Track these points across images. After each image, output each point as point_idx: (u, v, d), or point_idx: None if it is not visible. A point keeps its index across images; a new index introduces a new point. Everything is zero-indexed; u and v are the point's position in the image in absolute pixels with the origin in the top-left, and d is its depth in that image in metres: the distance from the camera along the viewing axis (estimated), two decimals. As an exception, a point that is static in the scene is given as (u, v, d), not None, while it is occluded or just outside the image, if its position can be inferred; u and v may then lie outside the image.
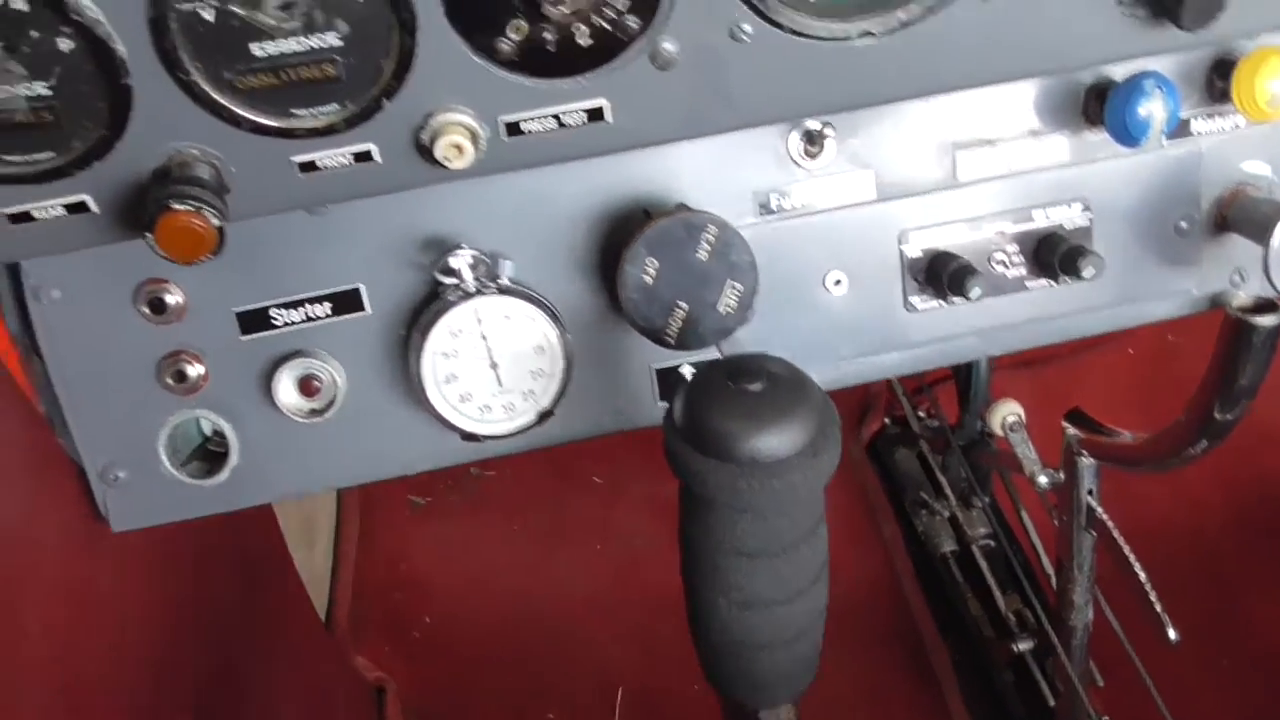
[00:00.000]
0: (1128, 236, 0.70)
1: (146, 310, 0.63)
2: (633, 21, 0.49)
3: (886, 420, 1.55)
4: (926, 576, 1.44)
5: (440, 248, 0.64)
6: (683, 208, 0.64)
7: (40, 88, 0.46)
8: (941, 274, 0.67)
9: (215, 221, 0.48)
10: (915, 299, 0.69)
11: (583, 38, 0.49)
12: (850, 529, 1.48)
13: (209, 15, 0.45)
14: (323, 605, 1.39)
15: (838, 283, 0.69)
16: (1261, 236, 0.67)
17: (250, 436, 0.67)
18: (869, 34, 0.52)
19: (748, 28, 0.51)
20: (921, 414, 1.45)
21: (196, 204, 0.47)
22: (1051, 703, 1.18)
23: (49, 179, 0.49)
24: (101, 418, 0.66)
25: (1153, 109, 0.61)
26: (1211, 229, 0.70)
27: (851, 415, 1.54)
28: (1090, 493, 0.87)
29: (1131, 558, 0.81)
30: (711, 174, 0.65)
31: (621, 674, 1.38)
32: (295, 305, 0.65)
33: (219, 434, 0.67)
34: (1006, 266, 0.69)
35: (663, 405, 0.70)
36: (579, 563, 1.50)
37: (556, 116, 0.52)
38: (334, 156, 0.52)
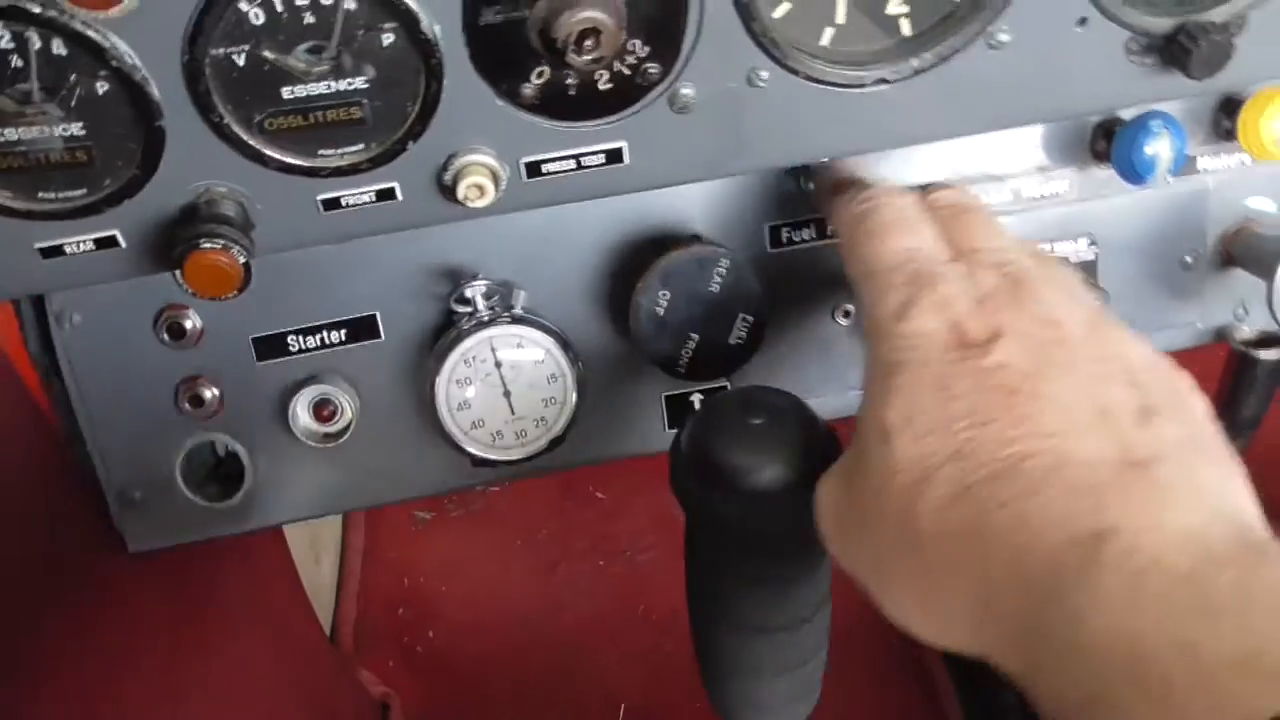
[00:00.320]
0: (1133, 271, 0.70)
1: (165, 336, 0.64)
2: (653, 68, 0.50)
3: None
4: (928, 595, 1.44)
5: (455, 278, 0.65)
6: (696, 239, 0.65)
7: (76, 129, 0.47)
8: (949, 307, 0.67)
9: (242, 259, 0.49)
10: (923, 331, 0.69)
11: (604, 83, 0.50)
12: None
13: (241, 60, 0.46)
14: (328, 619, 1.39)
15: (846, 315, 0.70)
16: (1266, 272, 0.68)
17: (265, 460, 0.68)
18: (883, 80, 0.53)
19: (765, 74, 0.52)
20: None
21: (224, 241, 0.48)
22: (1052, 724, 1.18)
23: (80, 215, 0.50)
24: (119, 440, 0.66)
25: (1159, 148, 0.62)
26: (1216, 263, 0.71)
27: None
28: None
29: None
30: (724, 207, 0.66)
31: (624, 690, 1.39)
32: (311, 332, 0.66)
33: (234, 457, 0.68)
34: (1013, 300, 0.69)
35: (672, 432, 0.71)
36: (582, 578, 1.50)
37: (576, 158, 0.53)
38: (357, 194, 0.52)
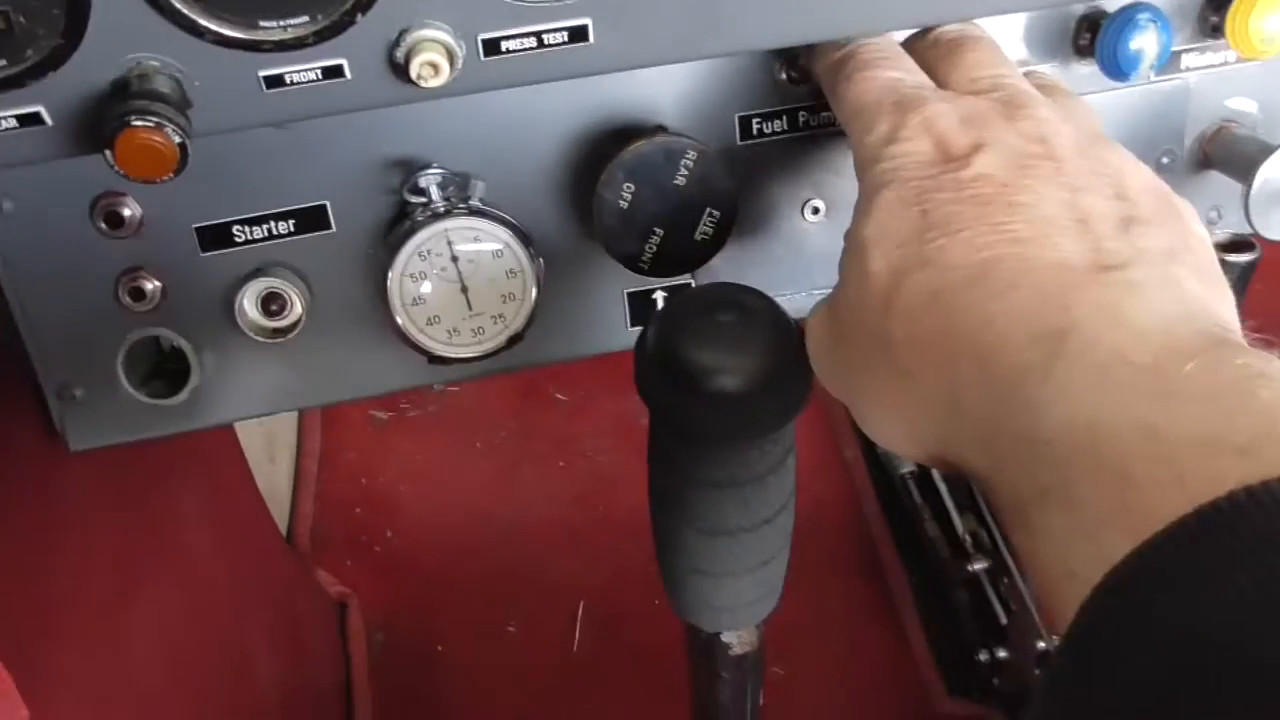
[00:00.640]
0: (1110, 171, 0.69)
1: (103, 224, 0.61)
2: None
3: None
4: (886, 497, 1.47)
5: (410, 166, 0.62)
6: (662, 130, 0.63)
7: (-9, -7, 0.43)
8: (922, 205, 0.66)
9: (177, 138, 0.46)
10: (894, 230, 0.68)
11: (566, -53, 0.47)
12: (813, 451, 1.49)
13: (169, -84, 0.43)
14: (284, 521, 1.39)
15: (816, 211, 0.68)
16: (1243, 175, 0.66)
17: (211, 356, 0.65)
18: (865, -40, 0.50)
19: (740, -53, 0.49)
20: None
21: (157, 120, 0.45)
22: (1004, 621, 1.21)
23: (1, 89, 0.47)
24: (58, 335, 0.64)
25: (1145, 43, 0.60)
26: (1194, 165, 0.70)
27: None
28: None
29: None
30: (693, 97, 0.64)
31: (584, 590, 1.40)
32: (258, 222, 0.63)
33: (179, 353, 0.66)
34: (987, 198, 0.68)
35: (634, 330, 0.69)
36: (542, 480, 1.50)
37: (537, 35, 0.50)
38: (302, 72, 0.49)
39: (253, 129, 0.57)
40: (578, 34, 0.51)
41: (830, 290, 0.48)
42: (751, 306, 0.51)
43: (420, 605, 1.39)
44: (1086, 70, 0.66)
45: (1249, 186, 0.65)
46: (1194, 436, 0.32)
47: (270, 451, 1.37)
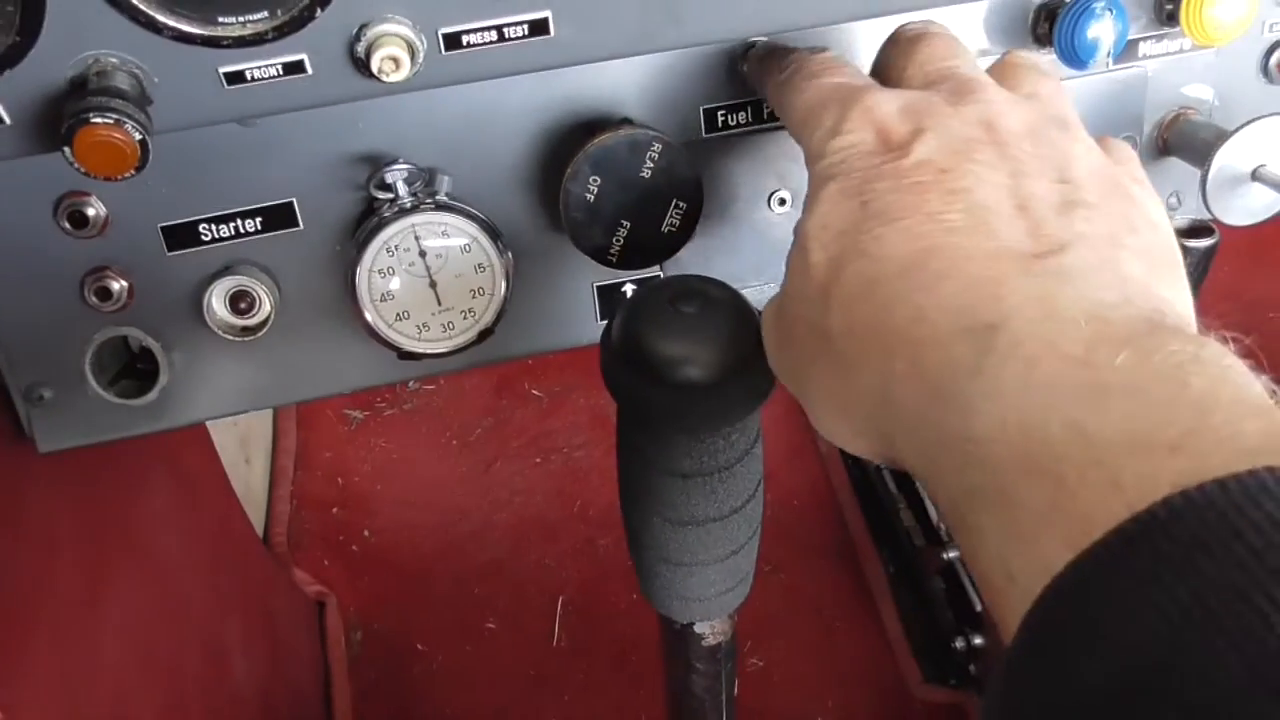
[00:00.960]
0: (1070, 159, 0.70)
1: (67, 224, 0.60)
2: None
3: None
4: (861, 486, 1.47)
5: (376, 162, 0.62)
6: (627, 123, 0.63)
7: (-57, -10, 0.43)
8: (886, 195, 0.66)
9: (137, 135, 0.46)
10: (859, 219, 0.68)
11: (523, -58, 0.47)
12: (787, 440, 1.50)
13: (125, -88, 0.42)
14: (260, 521, 1.38)
15: (782, 202, 0.68)
16: (1200, 161, 0.67)
17: (180, 355, 0.65)
18: (822, -49, 0.51)
19: (698, -60, 0.49)
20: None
21: (117, 116, 0.45)
22: (979, 608, 1.22)
23: (-44, 87, 0.47)
24: (24, 335, 0.63)
25: (1102, 31, 0.61)
26: (1153, 152, 0.71)
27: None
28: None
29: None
30: (657, 90, 0.64)
31: (561, 585, 1.40)
32: (225, 220, 0.63)
33: (148, 352, 0.65)
34: (950, 187, 0.69)
35: (604, 323, 0.69)
36: (518, 476, 1.50)
37: (498, 29, 0.50)
38: (263, 67, 0.49)
39: (216, 126, 0.57)
40: (538, 27, 0.51)
41: None
42: (714, 297, 0.51)
43: (398, 603, 1.39)
44: (1045, 59, 0.66)
45: (1206, 172, 0.66)
46: (1125, 435, 0.31)
47: (245, 452, 1.37)
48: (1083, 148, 0.45)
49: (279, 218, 0.63)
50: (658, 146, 0.61)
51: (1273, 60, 0.70)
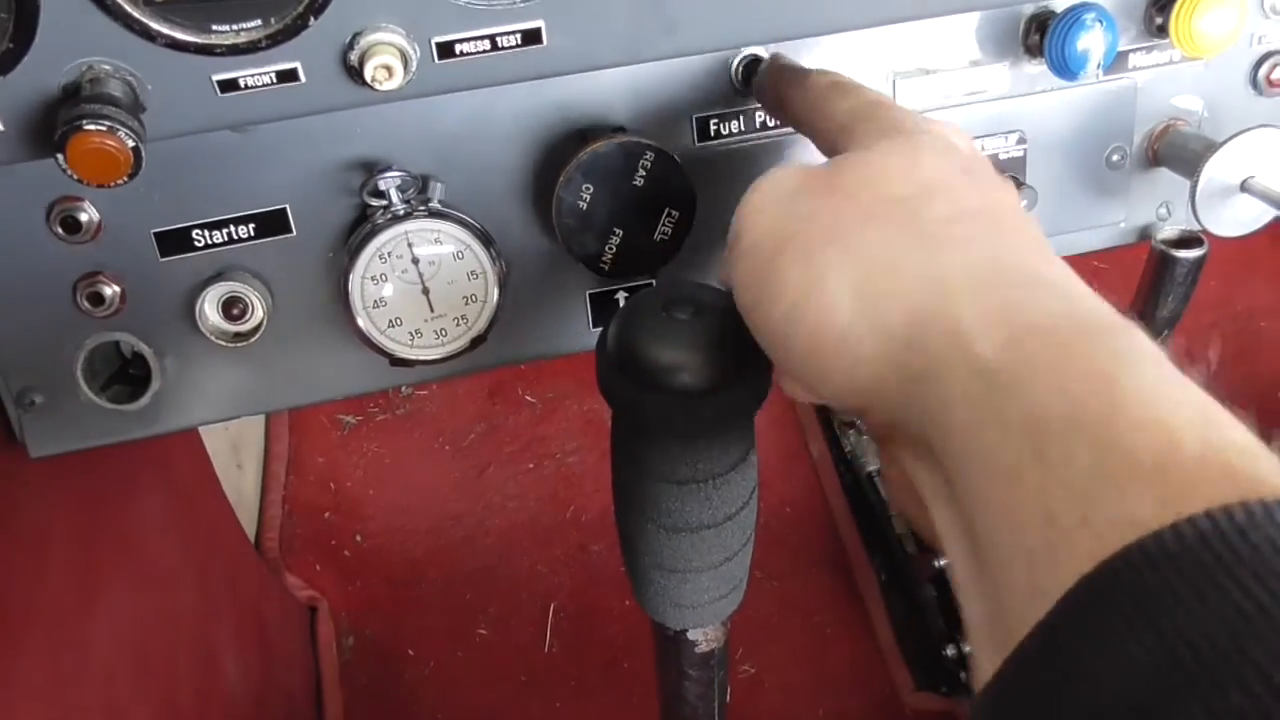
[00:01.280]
0: (1061, 169, 0.70)
1: (59, 230, 0.60)
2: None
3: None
4: (854, 494, 1.48)
5: (369, 169, 0.62)
6: (620, 131, 0.63)
7: (-63, -3, 0.43)
8: (878, 204, 0.67)
9: (130, 142, 0.46)
10: (851, 228, 0.69)
11: (517, -48, 0.47)
12: (780, 447, 1.50)
13: (119, -79, 0.43)
14: (252, 526, 1.38)
15: (774, 210, 0.68)
16: (1189, 171, 0.68)
17: (172, 361, 0.65)
18: (815, -40, 0.51)
19: (691, -51, 0.49)
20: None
21: (110, 124, 0.45)
22: (970, 616, 1.22)
23: (-50, 93, 0.47)
24: (16, 341, 0.63)
25: (1092, 43, 0.61)
26: (1143, 163, 0.71)
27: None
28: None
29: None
30: (651, 97, 0.64)
31: (553, 591, 1.40)
32: (218, 226, 0.63)
33: (140, 358, 0.65)
34: (942, 197, 0.69)
35: (596, 331, 0.70)
36: (511, 482, 1.50)
37: (491, 38, 0.50)
38: (257, 75, 0.49)
39: (210, 133, 0.57)
40: (531, 36, 0.51)
41: None
42: (710, 303, 0.52)
43: (390, 608, 1.39)
44: (1036, 70, 0.67)
45: (1195, 183, 0.67)
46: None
47: (238, 457, 1.37)
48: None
49: (272, 224, 0.63)
50: (650, 155, 0.62)
51: (1261, 72, 0.70)
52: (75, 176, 0.47)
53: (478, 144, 0.63)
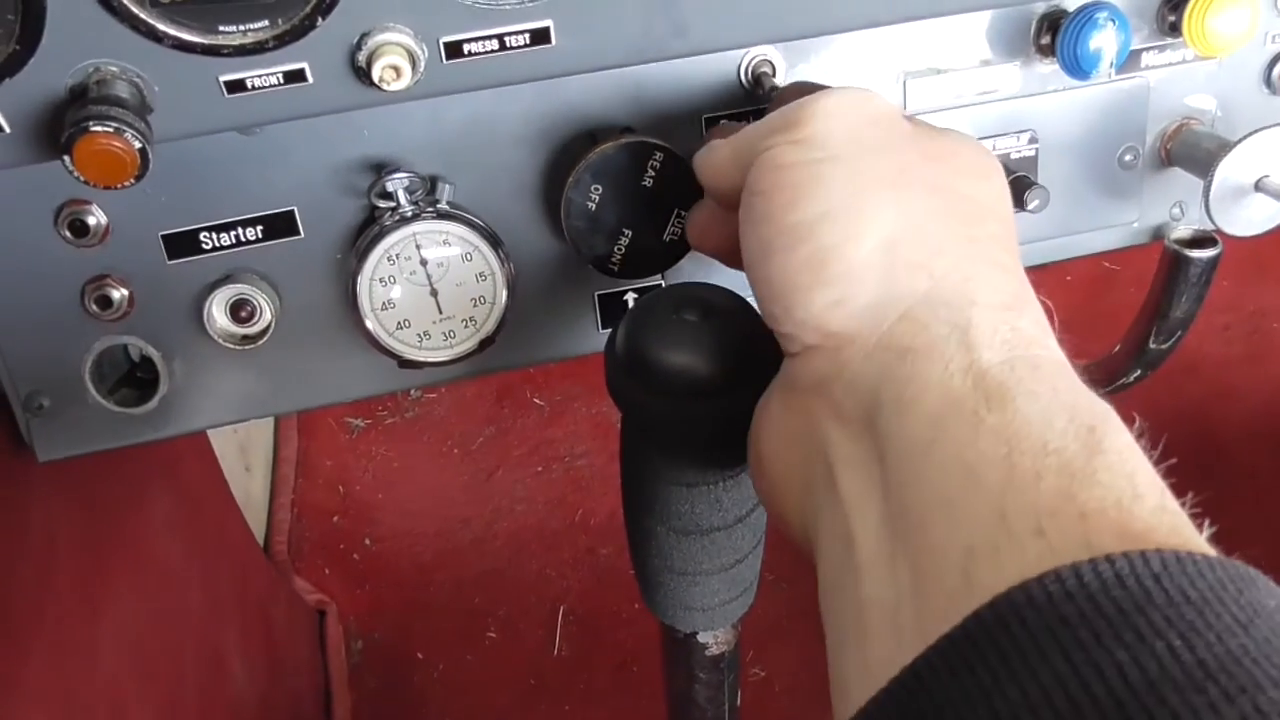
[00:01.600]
0: (1073, 169, 0.70)
1: (67, 233, 0.60)
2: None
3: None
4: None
5: (377, 170, 0.62)
6: (629, 132, 0.63)
7: (-56, -1, 0.43)
8: (888, 204, 0.66)
9: (137, 144, 0.45)
10: (861, 228, 0.68)
11: (526, -48, 0.47)
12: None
13: (126, -79, 0.42)
14: (261, 530, 1.38)
15: (784, 211, 0.68)
16: (1203, 171, 0.67)
17: (181, 364, 0.65)
18: (826, -42, 0.50)
19: (702, -52, 0.49)
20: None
21: (117, 125, 0.45)
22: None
23: (-44, 96, 0.46)
24: (24, 344, 0.63)
25: (1104, 42, 0.61)
26: (1155, 163, 0.70)
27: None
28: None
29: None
30: (660, 98, 0.64)
31: (562, 594, 1.40)
32: (226, 229, 0.62)
33: (148, 361, 0.65)
34: (953, 197, 0.68)
35: (605, 333, 0.69)
36: (520, 485, 1.50)
37: (499, 38, 0.50)
38: (264, 76, 0.49)
39: (217, 134, 0.57)
40: (539, 36, 0.51)
41: None
42: (719, 305, 0.51)
43: (399, 612, 1.39)
44: (1048, 69, 0.66)
45: (1209, 182, 0.66)
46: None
47: (246, 460, 1.37)
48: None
49: (280, 226, 0.63)
50: (659, 155, 0.61)
51: (1275, 71, 0.70)
52: (82, 179, 0.46)
53: (486, 145, 0.63)
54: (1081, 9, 0.62)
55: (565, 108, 0.63)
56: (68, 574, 0.77)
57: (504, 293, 0.64)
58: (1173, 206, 0.72)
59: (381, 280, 0.63)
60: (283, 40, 0.48)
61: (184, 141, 0.55)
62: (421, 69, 0.50)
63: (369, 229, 0.62)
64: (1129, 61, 0.67)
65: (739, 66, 0.63)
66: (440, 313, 0.64)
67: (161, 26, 0.46)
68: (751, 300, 0.52)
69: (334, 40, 0.49)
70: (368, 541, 1.45)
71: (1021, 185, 0.66)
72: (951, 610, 0.31)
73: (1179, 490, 0.34)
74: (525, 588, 1.40)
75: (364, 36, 0.49)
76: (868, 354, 0.39)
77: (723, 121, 0.65)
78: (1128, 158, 0.70)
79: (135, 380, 0.67)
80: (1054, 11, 0.64)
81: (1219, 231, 0.70)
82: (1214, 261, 0.70)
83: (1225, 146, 0.66)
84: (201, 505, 1.10)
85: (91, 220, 0.60)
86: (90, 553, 0.81)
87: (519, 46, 0.51)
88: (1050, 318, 0.40)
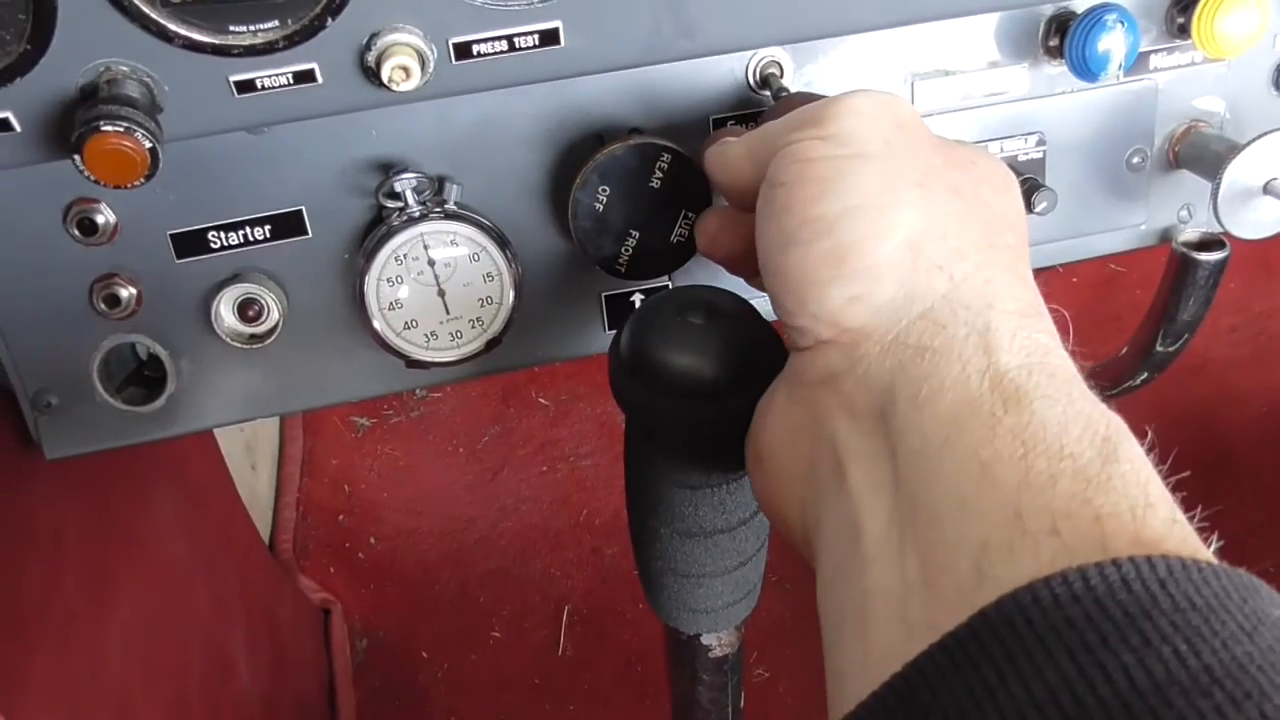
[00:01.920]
0: (1081, 171, 0.69)
1: (76, 231, 0.60)
2: (586, -62, 0.47)
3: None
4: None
5: (385, 170, 0.62)
6: (637, 133, 0.63)
7: (-44, -1, 0.43)
8: (896, 206, 0.66)
9: (147, 143, 0.46)
10: (868, 230, 0.68)
11: (535, -47, 0.47)
12: (794, 452, 1.49)
13: (137, -78, 0.43)
14: (266, 528, 1.38)
15: (791, 213, 0.68)
16: (1211, 173, 0.67)
17: (188, 363, 0.65)
18: (834, -40, 0.51)
19: (709, -51, 0.49)
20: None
21: (127, 125, 0.45)
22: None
23: (-33, 95, 0.47)
24: (32, 342, 0.63)
25: (1113, 44, 0.61)
26: (1163, 165, 0.70)
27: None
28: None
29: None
30: (668, 99, 0.64)
31: (567, 594, 1.40)
32: (234, 228, 0.63)
33: (156, 359, 0.65)
34: (960, 199, 0.68)
35: (612, 333, 0.69)
36: (525, 484, 1.50)
37: (508, 39, 0.50)
38: (273, 76, 0.49)
39: (226, 134, 0.57)
40: (549, 37, 0.51)
41: None
42: (723, 308, 0.51)
43: (404, 611, 1.39)
44: (1056, 71, 0.66)
45: (1217, 185, 0.66)
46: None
47: (252, 459, 1.37)
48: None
49: (288, 226, 0.63)
50: (667, 156, 0.61)
51: (1284, 73, 0.70)
52: (92, 178, 0.47)
53: (494, 145, 0.63)
54: (1090, 11, 0.62)
55: (573, 109, 0.63)
56: (74, 572, 0.77)
57: (511, 293, 0.64)
58: (1180, 209, 0.72)
59: (389, 280, 0.63)
60: (292, 40, 0.48)
61: (193, 141, 0.55)
62: (431, 69, 0.50)
63: (377, 229, 0.62)
64: (1137, 63, 0.67)
65: (747, 68, 0.63)
66: (447, 313, 0.64)
67: (172, 26, 0.46)
68: (756, 303, 0.52)
69: (343, 40, 0.49)
70: (373, 540, 1.45)
71: (1029, 187, 0.66)
72: (963, 602, 0.31)
73: (1185, 490, 0.34)
74: (530, 587, 1.40)
75: (373, 37, 0.49)
76: (884, 350, 0.39)
77: (730, 124, 0.65)
78: (1136, 160, 0.70)
79: (143, 379, 0.67)
80: (1062, 13, 0.64)
81: (1227, 234, 0.69)
82: (1222, 264, 0.70)
83: (1234, 149, 0.66)
84: (208, 504, 1.10)
85: (100, 219, 0.60)
86: (97, 550, 0.82)
87: (528, 47, 0.51)
88: (1065, 328, 0.41)
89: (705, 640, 0.64)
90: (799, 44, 0.62)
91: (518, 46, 0.51)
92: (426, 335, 0.65)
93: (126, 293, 0.62)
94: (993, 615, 0.29)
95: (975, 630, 0.30)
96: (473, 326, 0.65)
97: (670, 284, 0.68)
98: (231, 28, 0.47)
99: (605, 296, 0.69)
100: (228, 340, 0.64)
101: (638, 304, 0.69)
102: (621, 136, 0.62)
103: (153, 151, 0.46)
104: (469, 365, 0.66)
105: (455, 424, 1.55)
